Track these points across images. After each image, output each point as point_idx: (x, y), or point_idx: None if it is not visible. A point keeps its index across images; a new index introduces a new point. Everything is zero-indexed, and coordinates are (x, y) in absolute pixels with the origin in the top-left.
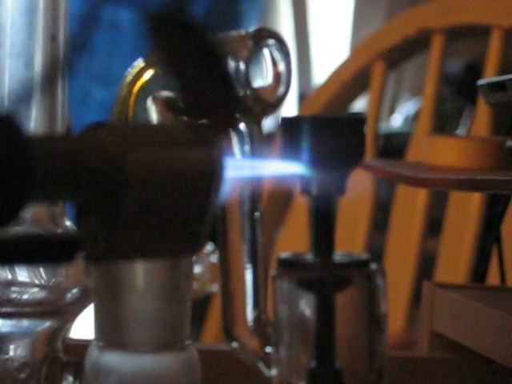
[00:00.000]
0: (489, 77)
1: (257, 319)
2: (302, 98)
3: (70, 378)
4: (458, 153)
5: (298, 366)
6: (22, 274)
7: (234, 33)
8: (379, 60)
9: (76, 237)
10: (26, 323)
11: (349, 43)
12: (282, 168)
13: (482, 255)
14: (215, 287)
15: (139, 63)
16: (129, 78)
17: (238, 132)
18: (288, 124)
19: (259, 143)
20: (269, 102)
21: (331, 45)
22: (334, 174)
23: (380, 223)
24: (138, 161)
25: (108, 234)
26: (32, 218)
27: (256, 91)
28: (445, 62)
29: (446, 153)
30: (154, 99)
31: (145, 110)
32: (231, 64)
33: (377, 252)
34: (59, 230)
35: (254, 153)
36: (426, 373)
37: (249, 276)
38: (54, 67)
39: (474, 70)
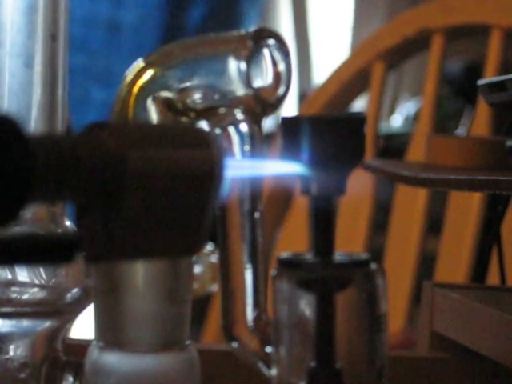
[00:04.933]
0: (489, 77)
1: (257, 319)
2: (302, 97)
3: (70, 378)
4: (458, 153)
5: (297, 366)
6: (22, 274)
7: (234, 33)
8: (379, 60)
9: (76, 237)
10: (25, 323)
11: (349, 43)
12: (282, 168)
13: (482, 255)
14: (215, 287)
15: (139, 63)
16: (129, 77)
17: (238, 132)
18: (288, 124)
19: (259, 143)
20: (269, 101)
21: (331, 45)
22: (334, 174)
23: (380, 223)
24: (137, 161)
25: (108, 234)
26: (32, 218)
27: (256, 91)
28: (445, 62)
29: (446, 153)
30: (154, 99)
31: (145, 110)
32: (231, 64)
33: (377, 252)
34: (59, 230)
35: (254, 153)
36: (425, 373)
37: (249, 276)
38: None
39: (474, 69)
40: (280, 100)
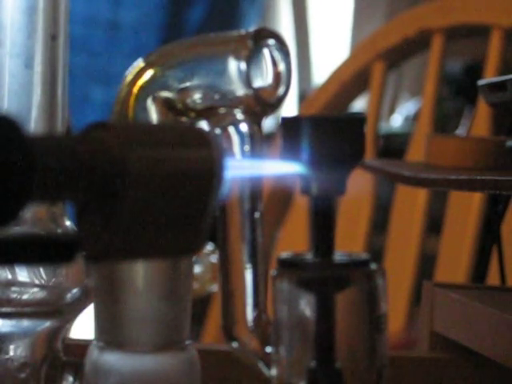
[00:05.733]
0: (489, 77)
1: (257, 319)
2: (302, 97)
3: (70, 378)
4: (458, 153)
5: (298, 366)
6: (22, 274)
7: (233, 33)
8: (379, 60)
9: (76, 237)
10: (25, 323)
11: (349, 43)
12: (282, 168)
13: (482, 255)
14: (215, 287)
15: (139, 63)
16: (129, 77)
17: (238, 132)
18: (288, 124)
19: (259, 143)
20: (269, 102)
21: (331, 45)
22: (334, 174)
23: (380, 223)
24: (137, 161)
25: (108, 233)
26: (32, 218)
27: (256, 91)
28: (445, 62)
29: (446, 153)
30: (154, 99)
31: (145, 110)
32: (231, 64)
33: (377, 252)
34: (59, 230)
35: (254, 153)
36: (426, 373)
37: (249, 276)
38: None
39: (474, 70)
40: (280, 100)
